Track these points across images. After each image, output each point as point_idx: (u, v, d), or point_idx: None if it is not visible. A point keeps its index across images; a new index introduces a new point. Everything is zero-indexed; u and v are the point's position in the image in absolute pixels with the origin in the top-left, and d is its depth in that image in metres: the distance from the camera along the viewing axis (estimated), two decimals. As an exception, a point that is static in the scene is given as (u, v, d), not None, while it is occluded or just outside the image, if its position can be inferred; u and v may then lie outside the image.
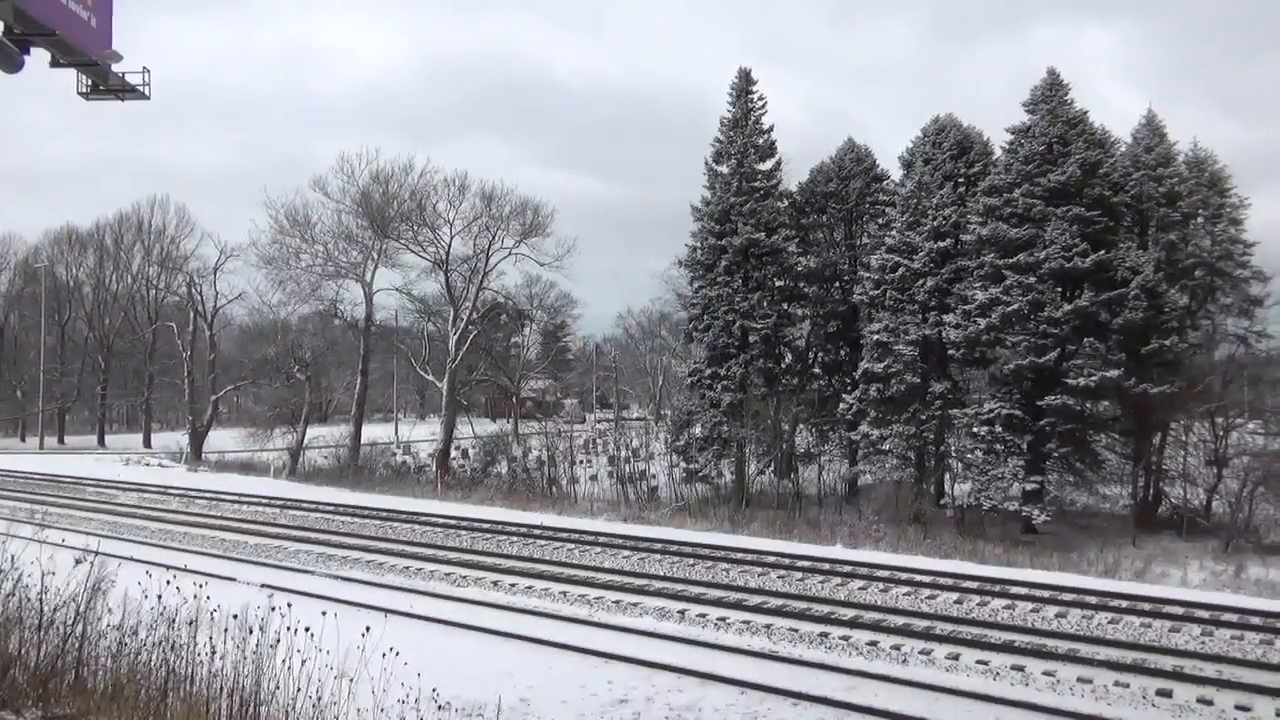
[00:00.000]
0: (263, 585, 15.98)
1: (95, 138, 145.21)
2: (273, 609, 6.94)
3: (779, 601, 16.46)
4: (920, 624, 14.79)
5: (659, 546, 21.97)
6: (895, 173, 40.56)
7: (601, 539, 23.33)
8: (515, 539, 23.46)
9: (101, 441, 71.66)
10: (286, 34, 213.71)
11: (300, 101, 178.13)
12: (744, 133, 39.90)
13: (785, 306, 40.43)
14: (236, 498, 32.41)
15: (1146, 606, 15.90)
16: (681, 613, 15.64)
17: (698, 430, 39.70)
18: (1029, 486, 31.04)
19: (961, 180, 35.81)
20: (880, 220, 40.74)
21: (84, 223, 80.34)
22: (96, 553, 8.49)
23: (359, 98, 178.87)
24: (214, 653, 6.90)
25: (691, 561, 20.36)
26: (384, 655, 6.54)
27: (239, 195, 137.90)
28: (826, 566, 19.51)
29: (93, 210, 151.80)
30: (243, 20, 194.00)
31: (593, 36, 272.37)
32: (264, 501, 31.46)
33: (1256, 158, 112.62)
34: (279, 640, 6.63)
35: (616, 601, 16.41)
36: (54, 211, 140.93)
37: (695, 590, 17.21)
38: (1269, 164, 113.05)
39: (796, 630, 14.52)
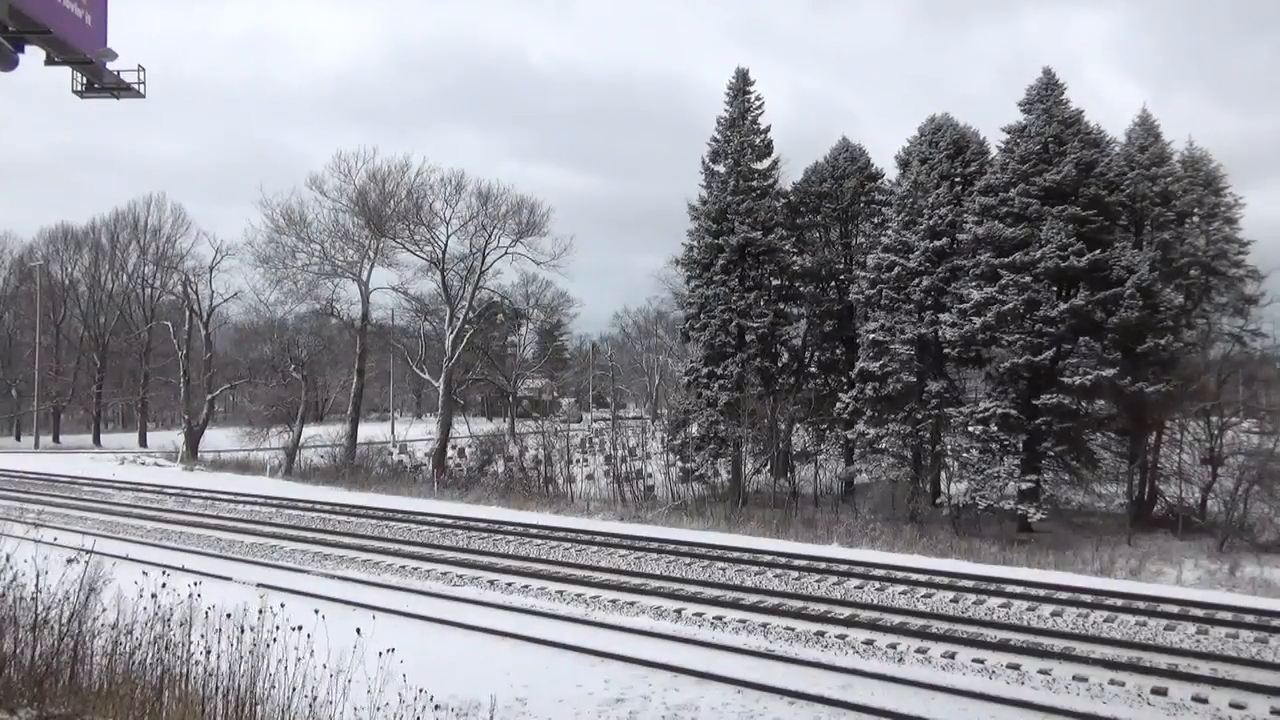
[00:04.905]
0: (259, 584, 15.99)
1: (56, 129, 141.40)
2: (269, 608, 6.93)
3: (775, 600, 16.47)
4: (916, 623, 14.80)
5: (655, 546, 21.98)
6: (889, 170, 40.72)
7: (598, 538, 23.33)
8: (511, 538, 23.44)
9: (97, 441, 71.58)
10: (247, 20, 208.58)
11: (271, 95, 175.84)
12: (741, 132, 39.95)
13: (781, 306, 40.55)
14: (232, 497, 32.34)
15: (1142, 605, 15.95)
16: (678, 612, 15.63)
17: (694, 429, 39.71)
18: (1025, 485, 31.10)
19: (958, 179, 35.89)
20: (875, 219, 40.86)
21: (69, 219, 79.90)
22: (92, 551, 8.47)
23: (328, 87, 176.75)
24: (209, 652, 6.89)
25: (688, 561, 20.37)
26: (380, 654, 6.53)
27: (216, 188, 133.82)
28: (823, 565, 19.53)
29: (66, 204, 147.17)
30: (200, 5, 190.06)
31: (565, 19, 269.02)
32: (260, 501, 31.41)
33: (1253, 152, 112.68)
34: (275, 639, 6.62)
35: (613, 601, 16.41)
36: (25, 206, 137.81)
37: (692, 589, 17.21)
38: (1266, 158, 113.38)
39: (793, 629, 14.53)
